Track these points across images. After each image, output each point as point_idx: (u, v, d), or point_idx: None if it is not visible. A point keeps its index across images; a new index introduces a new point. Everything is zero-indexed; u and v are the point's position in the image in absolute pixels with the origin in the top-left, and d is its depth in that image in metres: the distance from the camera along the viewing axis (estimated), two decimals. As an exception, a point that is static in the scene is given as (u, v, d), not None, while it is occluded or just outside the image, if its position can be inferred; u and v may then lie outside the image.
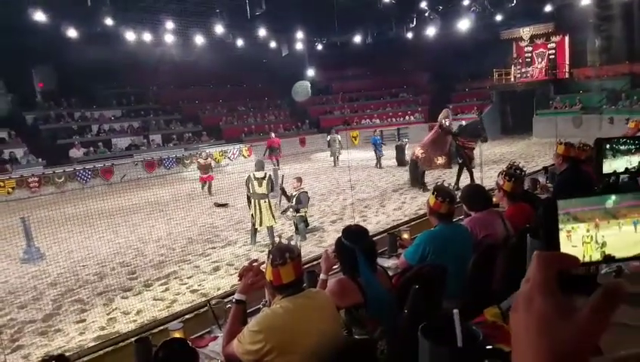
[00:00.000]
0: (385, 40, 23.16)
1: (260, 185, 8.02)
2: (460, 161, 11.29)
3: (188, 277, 6.90)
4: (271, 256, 2.23)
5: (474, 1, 19.87)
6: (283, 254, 2.21)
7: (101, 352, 2.70)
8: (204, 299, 5.27)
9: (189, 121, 24.49)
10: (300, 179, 8.81)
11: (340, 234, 2.82)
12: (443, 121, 11.31)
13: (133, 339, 2.47)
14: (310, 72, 26.07)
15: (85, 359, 2.67)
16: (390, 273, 3.24)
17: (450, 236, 3.29)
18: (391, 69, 28.76)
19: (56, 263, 8.02)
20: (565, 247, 0.65)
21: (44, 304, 6.34)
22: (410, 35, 22.47)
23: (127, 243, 9.08)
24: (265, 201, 8.06)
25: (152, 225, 10.18)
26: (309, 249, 7.54)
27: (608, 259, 0.66)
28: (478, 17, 20.63)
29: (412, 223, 5.26)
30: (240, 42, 20.10)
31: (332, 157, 18.55)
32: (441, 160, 11.26)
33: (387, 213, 9.77)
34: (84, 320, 5.69)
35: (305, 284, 3.04)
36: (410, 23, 21.30)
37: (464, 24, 20.82)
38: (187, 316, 3.01)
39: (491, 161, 15.28)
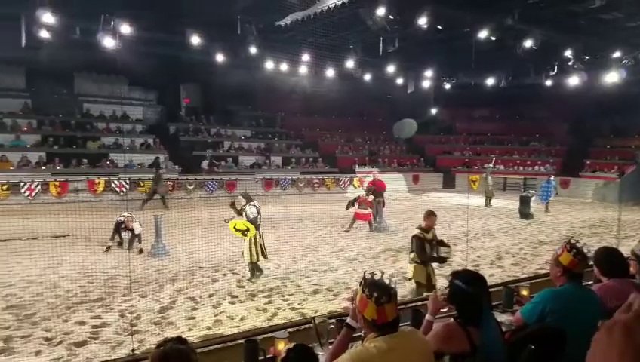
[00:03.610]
0: (520, 85, 22.01)
1: None
2: None
3: (289, 295, 7.10)
4: (375, 295, 2.13)
5: (626, 54, 18.09)
6: (388, 291, 2.14)
7: (211, 347, 2.88)
8: (301, 317, 5.40)
9: (309, 147, 25.61)
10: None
11: (453, 279, 2.69)
12: None
13: (242, 340, 2.60)
14: (434, 111, 25.70)
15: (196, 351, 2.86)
16: (503, 328, 3.01)
17: (577, 298, 2.94)
18: (523, 115, 27.30)
19: (177, 261, 8.83)
20: None
21: (161, 296, 6.95)
22: (549, 82, 21.10)
23: (240, 252, 9.63)
24: None
25: (265, 240, 10.67)
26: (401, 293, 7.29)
27: None
28: (629, 71, 18.70)
29: (533, 281, 4.83)
30: (367, 77, 20.59)
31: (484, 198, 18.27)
32: None
33: (503, 267, 9.07)
34: (194, 318, 6.11)
35: (408, 323, 2.95)
36: (551, 71, 20.00)
37: (612, 77, 19.00)
38: (290, 329, 3.09)
39: (629, 228, 13.58)
